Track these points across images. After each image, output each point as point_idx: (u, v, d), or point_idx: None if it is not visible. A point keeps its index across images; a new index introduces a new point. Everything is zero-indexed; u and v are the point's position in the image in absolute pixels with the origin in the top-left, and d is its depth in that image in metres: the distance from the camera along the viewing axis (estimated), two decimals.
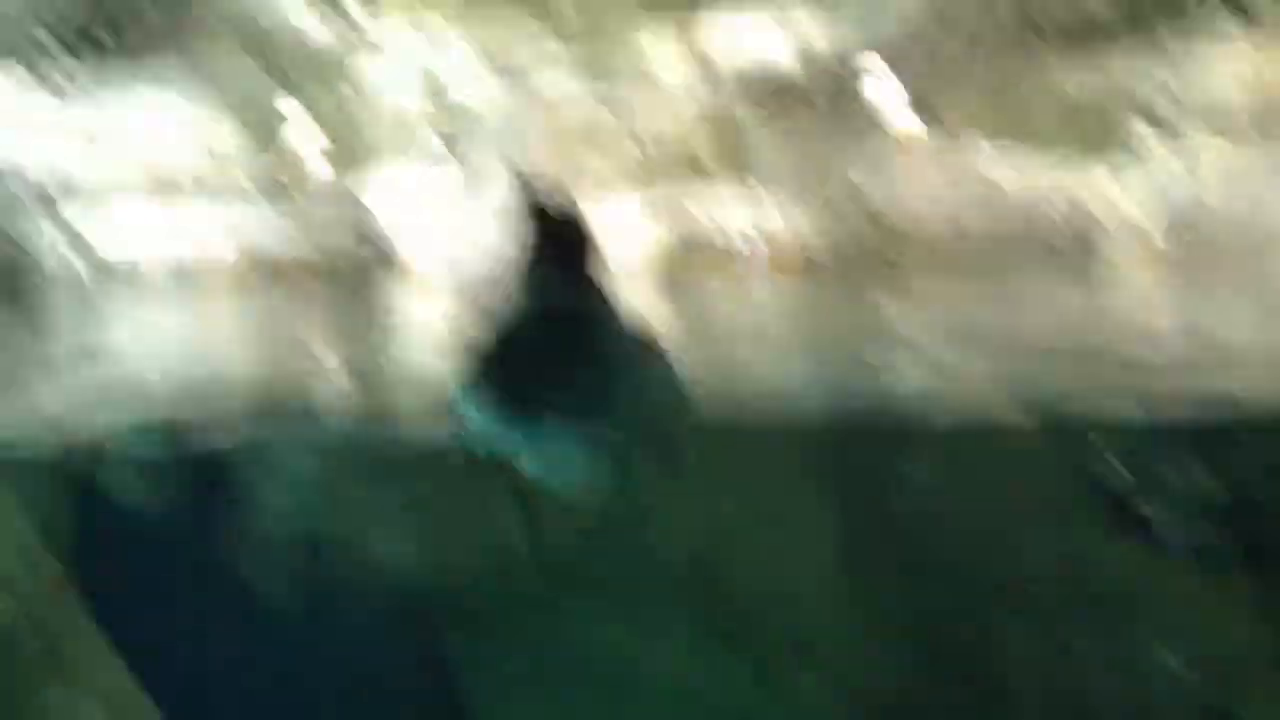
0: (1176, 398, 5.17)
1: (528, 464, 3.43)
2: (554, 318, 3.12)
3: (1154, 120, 8.16)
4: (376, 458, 5.92)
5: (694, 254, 8.60)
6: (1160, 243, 7.13)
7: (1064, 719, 5.26)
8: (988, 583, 5.44)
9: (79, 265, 7.21)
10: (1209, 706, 5.09)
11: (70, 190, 9.30)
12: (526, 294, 3.14)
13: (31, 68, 10.94)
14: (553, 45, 12.77)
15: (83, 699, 4.60)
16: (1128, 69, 8.58)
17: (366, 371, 4.93)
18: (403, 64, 12.14)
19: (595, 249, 3.23)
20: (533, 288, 3.14)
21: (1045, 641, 5.27)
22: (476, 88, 12.13)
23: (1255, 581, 5.08)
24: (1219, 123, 8.02)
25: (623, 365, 3.22)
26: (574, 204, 3.24)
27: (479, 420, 3.34)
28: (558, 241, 3.20)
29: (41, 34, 11.05)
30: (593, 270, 3.18)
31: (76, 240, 7.32)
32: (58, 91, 10.78)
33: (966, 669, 5.34)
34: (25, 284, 6.69)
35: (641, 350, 3.27)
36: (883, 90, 9.22)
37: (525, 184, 3.50)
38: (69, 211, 7.89)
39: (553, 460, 3.41)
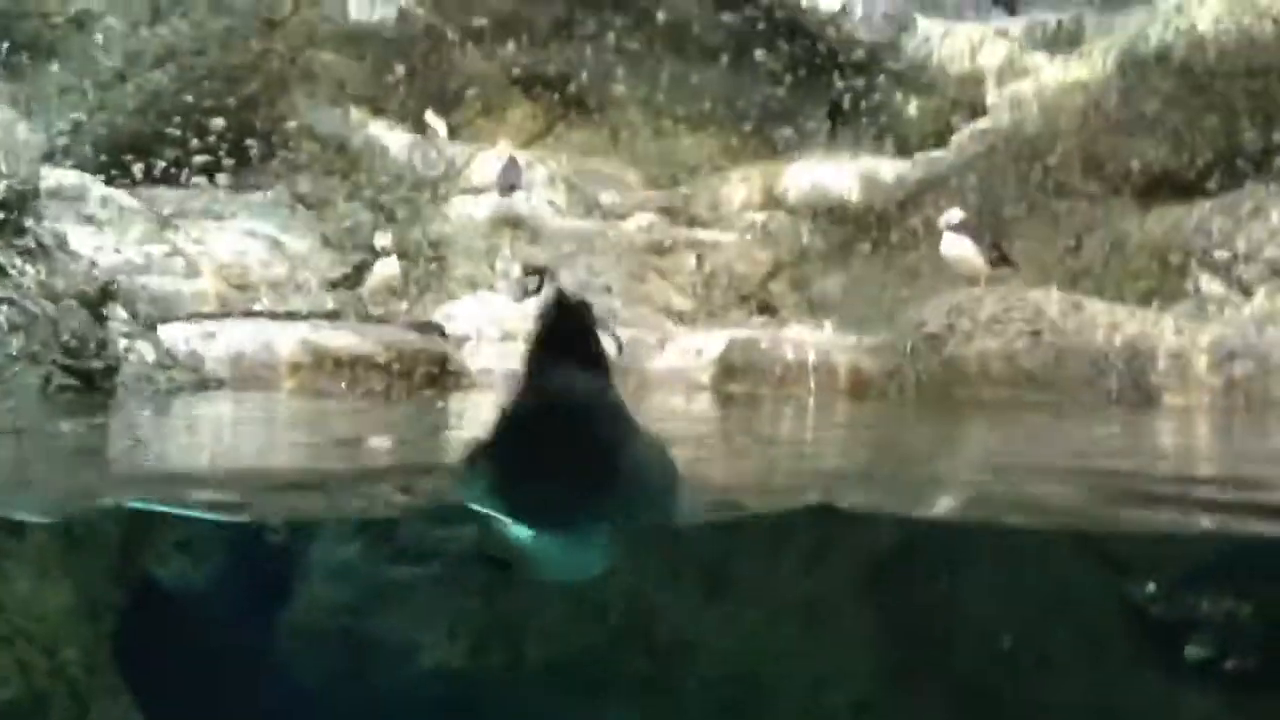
0: (1216, 531, 5.13)
1: (532, 559, 3.44)
2: (556, 412, 3.11)
3: (1213, 269, 8.22)
4: (423, 555, 6.02)
5: (756, 377, 8.74)
6: (1213, 384, 7.13)
7: None
8: (1027, 705, 5.36)
9: (154, 374, 7.55)
10: None
11: (162, 305, 9.73)
12: (531, 388, 3.14)
13: (143, 196, 11.51)
14: (636, 185, 13.16)
15: None
16: (1190, 220, 8.67)
17: (423, 470, 5.07)
18: (492, 198, 12.56)
19: (599, 347, 3.24)
20: (536, 382, 3.13)
21: None
22: (563, 223, 12.50)
23: None
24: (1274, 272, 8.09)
25: (620, 461, 3.22)
26: (587, 304, 3.24)
27: (485, 515, 3.36)
28: (563, 336, 3.18)
29: (155, 164, 11.63)
30: (596, 367, 3.18)
31: (154, 350, 7.68)
32: (165, 222, 11.31)
33: None
34: (106, 378, 7.01)
35: (638, 448, 3.28)
36: (950, 232, 9.37)
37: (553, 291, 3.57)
38: (153, 326, 8.29)
39: (555, 554, 3.41)
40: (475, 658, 6.05)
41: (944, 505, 5.77)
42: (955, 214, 9.48)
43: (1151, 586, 5.24)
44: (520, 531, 3.37)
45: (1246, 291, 8.08)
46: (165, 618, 5.71)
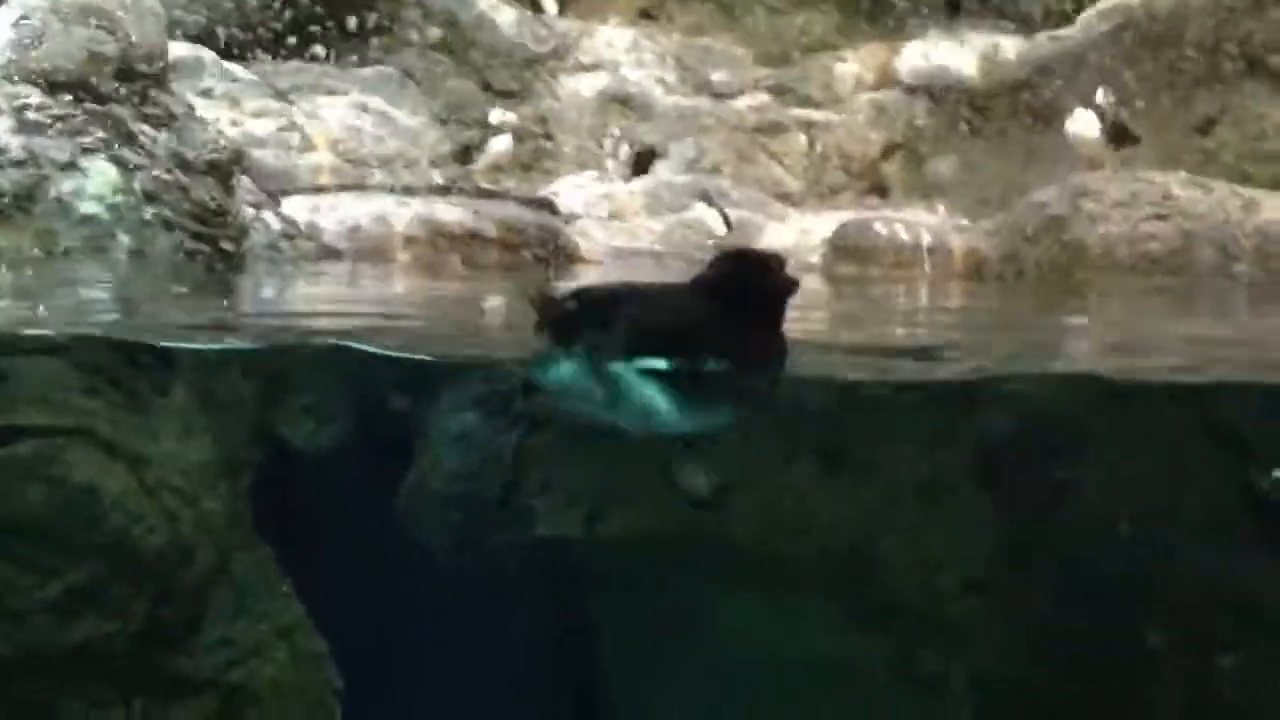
0: None
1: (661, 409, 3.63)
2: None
3: None
4: (540, 417, 6.14)
5: (866, 258, 8.68)
6: None
7: None
8: (1138, 590, 5.37)
9: (279, 243, 7.73)
10: None
11: (281, 178, 9.88)
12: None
13: (256, 70, 11.63)
14: (747, 64, 12.98)
15: (247, 613, 4.90)
16: None
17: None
18: (602, 75, 12.49)
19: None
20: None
21: (1190, 654, 5.18)
22: (672, 102, 12.40)
23: None
24: None
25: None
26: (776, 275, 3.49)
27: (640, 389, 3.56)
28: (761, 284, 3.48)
29: (267, 37, 11.72)
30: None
31: (277, 221, 7.85)
32: (280, 95, 11.44)
33: (1105, 673, 5.28)
34: (235, 246, 7.19)
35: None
36: (1075, 111, 9.15)
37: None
38: (277, 198, 8.45)
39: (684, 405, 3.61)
40: (589, 527, 6.18)
41: (1062, 386, 5.75)
42: (1066, 81, 9.34)
43: (1276, 472, 5.19)
44: (652, 385, 3.58)
45: None
46: (296, 476, 5.93)
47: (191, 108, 7.79)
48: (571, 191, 11.45)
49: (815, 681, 5.76)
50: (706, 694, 6.05)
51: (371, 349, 5.49)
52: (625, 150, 12.35)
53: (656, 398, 3.57)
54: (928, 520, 5.67)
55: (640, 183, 11.91)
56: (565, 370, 3.62)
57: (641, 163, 12.34)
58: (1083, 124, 8.96)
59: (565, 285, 4.46)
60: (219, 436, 5.00)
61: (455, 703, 5.93)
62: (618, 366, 3.55)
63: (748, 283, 3.53)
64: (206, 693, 4.83)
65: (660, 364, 3.52)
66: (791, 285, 3.59)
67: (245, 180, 7.60)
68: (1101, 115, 8.86)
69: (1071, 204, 7.67)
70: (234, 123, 10.60)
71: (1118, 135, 8.83)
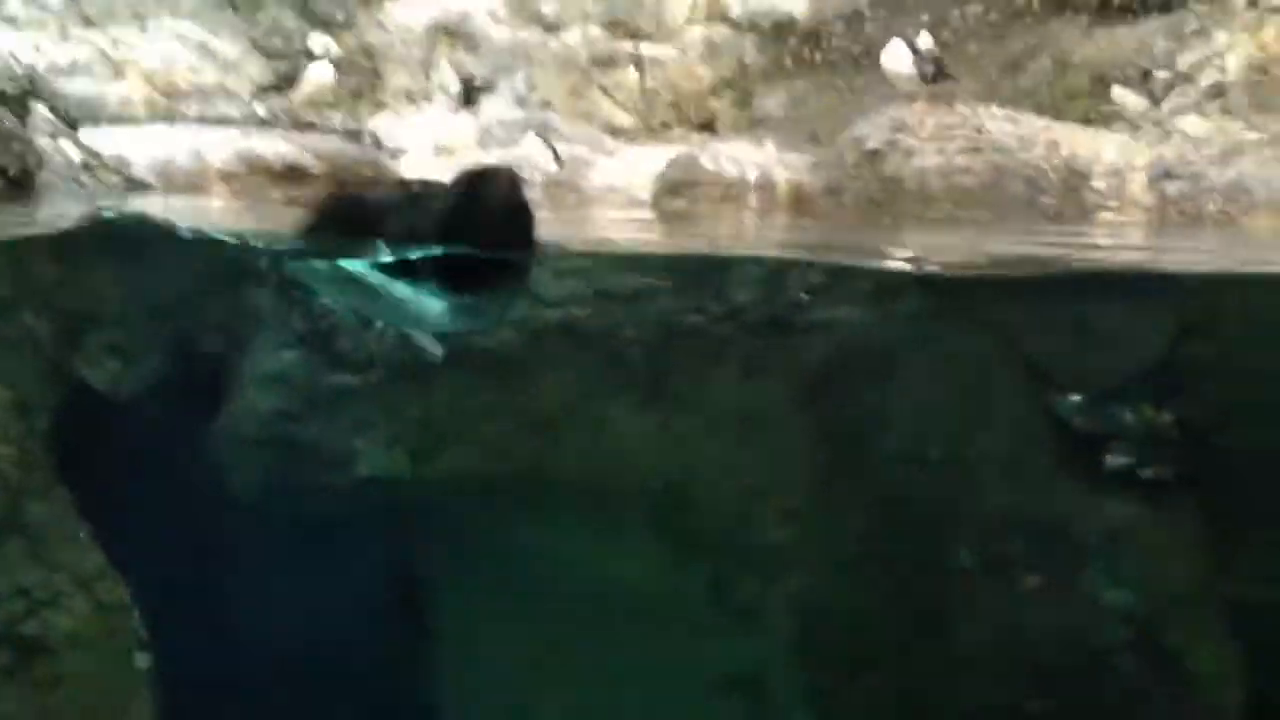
0: (1138, 339, 5.24)
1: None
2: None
3: (1151, 90, 8.25)
4: (359, 363, 6.02)
5: (694, 192, 8.71)
6: (1147, 202, 7.24)
7: (1006, 649, 5.35)
8: (947, 516, 5.52)
9: (81, 172, 7.38)
10: (1148, 638, 5.18)
11: (87, 107, 9.45)
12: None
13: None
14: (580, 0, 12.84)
15: (42, 562, 4.71)
16: (1133, 40, 8.65)
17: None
18: (430, 5, 12.21)
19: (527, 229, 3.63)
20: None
21: (995, 574, 5.36)
22: (503, 33, 12.19)
23: (1199, 516, 5.16)
24: (1215, 91, 8.12)
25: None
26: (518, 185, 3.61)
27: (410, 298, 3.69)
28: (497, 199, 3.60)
29: None
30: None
31: (80, 151, 7.51)
32: (89, 22, 10.90)
33: (915, 597, 5.44)
34: (27, 177, 6.84)
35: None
36: (892, 45, 9.29)
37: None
38: (75, 127, 8.07)
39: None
40: (414, 466, 6.11)
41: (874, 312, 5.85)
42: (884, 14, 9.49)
43: (1075, 397, 5.36)
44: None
45: (1184, 112, 8.12)
46: (99, 419, 5.70)
47: None
48: (398, 125, 11.19)
49: (636, 612, 5.81)
50: (532, 629, 6.06)
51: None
52: (454, 83, 12.11)
53: (411, 294, 3.70)
54: (745, 449, 5.74)
55: (469, 117, 11.71)
56: (320, 267, 3.74)
57: (471, 96, 12.13)
58: (897, 59, 9.08)
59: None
60: (8, 377, 4.76)
61: (270, 652, 5.81)
62: (364, 265, 3.68)
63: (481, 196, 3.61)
64: (2, 644, 4.64)
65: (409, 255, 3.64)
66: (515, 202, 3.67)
67: (42, 109, 7.23)
68: (918, 51, 8.99)
69: (887, 138, 7.81)
70: (37, 49, 10.09)
71: (935, 72, 8.99)
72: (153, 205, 7.36)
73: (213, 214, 7.59)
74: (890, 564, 5.45)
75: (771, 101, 11.13)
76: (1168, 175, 7.28)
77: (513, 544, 6.02)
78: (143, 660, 4.88)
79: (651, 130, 12.46)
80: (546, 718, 6.08)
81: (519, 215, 3.66)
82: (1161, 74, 8.36)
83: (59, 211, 6.56)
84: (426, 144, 10.83)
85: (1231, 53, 8.31)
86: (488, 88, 12.37)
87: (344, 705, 6.03)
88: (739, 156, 9.43)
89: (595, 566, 5.84)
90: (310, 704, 5.92)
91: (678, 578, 5.72)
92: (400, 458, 6.14)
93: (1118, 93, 8.17)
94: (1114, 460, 5.19)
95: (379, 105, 12.29)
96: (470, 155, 11.26)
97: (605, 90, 12.48)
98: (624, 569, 5.79)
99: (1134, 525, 5.19)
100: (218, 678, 5.46)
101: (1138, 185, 7.34)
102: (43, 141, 6.96)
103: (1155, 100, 8.22)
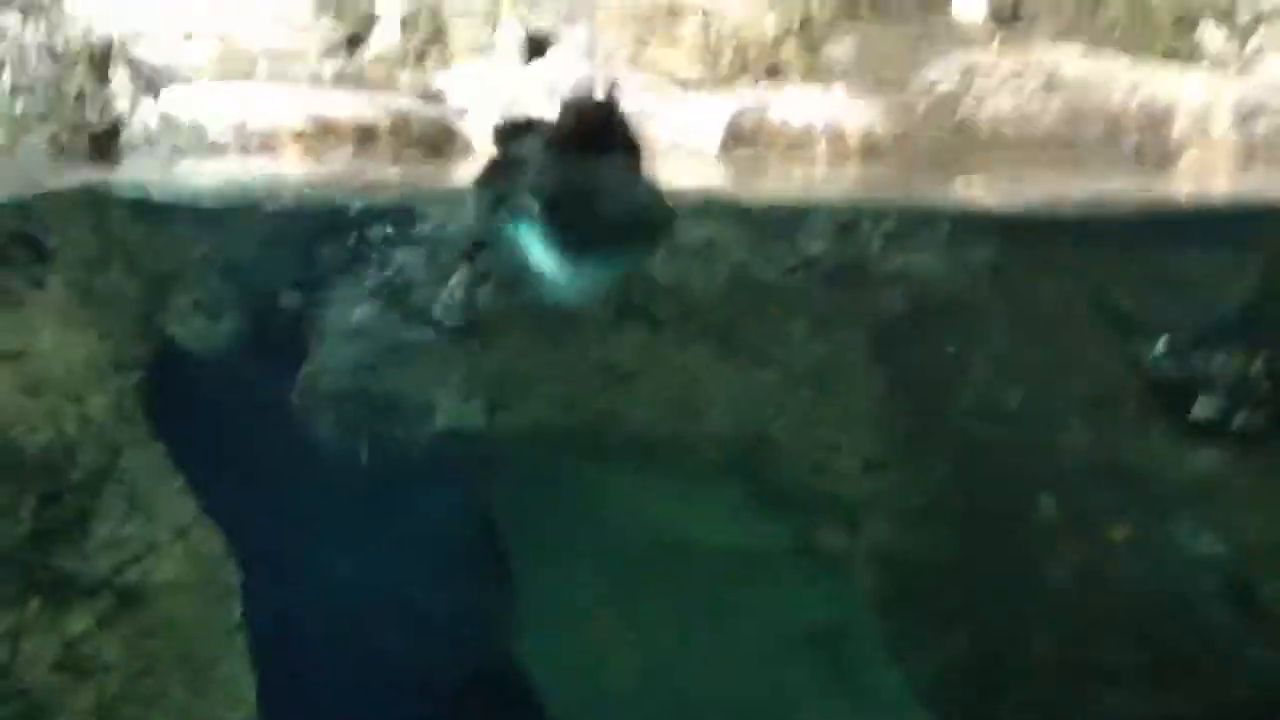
0: (1228, 291, 5.17)
1: (566, 284, 3.80)
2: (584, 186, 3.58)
3: (1231, 27, 8.06)
4: (437, 318, 6.08)
5: (764, 143, 8.65)
6: (1233, 142, 7.08)
7: (1094, 601, 5.33)
8: (1032, 464, 5.50)
9: (160, 134, 7.47)
10: (1234, 585, 5.13)
11: (161, 70, 9.53)
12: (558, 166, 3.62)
13: None
14: None
15: (140, 512, 4.81)
16: None
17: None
18: None
19: (626, 135, 3.64)
20: (563, 163, 3.60)
21: (1080, 521, 5.33)
22: None
23: None
24: None
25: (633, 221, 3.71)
26: (613, 99, 3.65)
27: (539, 252, 3.73)
28: (589, 129, 3.64)
29: None
30: (621, 149, 3.64)
31: (158, 112, 7.58)
32: None
33: (1000, 543, 5.42)
34: (111, 140, 6.93)
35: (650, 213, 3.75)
36: None
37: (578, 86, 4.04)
38: (156, 89, 8.15)
39: (585, 281, 3.82)
40: (490, 418, 6.17)
41: (952, 262, 5.81)
42: None
43: (1161, 346, 5.31)
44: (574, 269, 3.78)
45: (1268, 50, 7.95)
46: (188, 374, 5.80)
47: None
48: (463, 81, 11.19)
49: (717, 564, 5.85)
50: (611, 581, 6.12)
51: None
52: (518, 37, 12.10)
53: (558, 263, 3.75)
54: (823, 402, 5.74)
55: (533, 70, 11.70)
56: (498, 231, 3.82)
57: (535, 50, 12.11)
58: (969, 2, 8.94)
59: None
60: (103, 333, 4.85)
61: (356, 599, 5.92)
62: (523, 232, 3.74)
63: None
64: (101, 593, 4.74)
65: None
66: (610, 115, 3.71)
67: (122, 71, 7.30)
68: None
69: (959, 82, 7.68)
70: (115, 14, 10.20)
71: (1007, 12, 8.84)
72: (231, 168, 7.45)
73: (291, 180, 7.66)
74: (973, 516, 5.45)
75: (840, 48, 11.04)
76: (1253, 113, 7.12)
77: (591, 496, 6.07)
78: (237, 607, 4.98)
79: (718, 80, 12.42)
80: (624, 667, 6.15)
81: (614, 120, 3.72)
82: (1244, 13, 8.18)
83: (140, 173, 6.66)
84: (493, 99, 10.86)
85: None
86: (552, 40, 12.38)
87: (428, 651, 6.14)
88: (806, 105, 9.37)
89: (674, 520, 5.89)
90: (396, 649, 6.04)
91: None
92: (477, 409, 6.20)
93: (1201, 30, 7.99)
94: (1203, 409, 5.14)
95: (445, 61, 12.35)
96: (536, 109, 11.27)
97: (669, 40, 12.45)
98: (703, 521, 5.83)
99: (1222, 474, 5.15)
100: (307, 623, 5.58)
101: (1222, 125, 7.19)
102: (123, 104, 7.04)
103: (1240, 38, 8.05)
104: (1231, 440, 5.12)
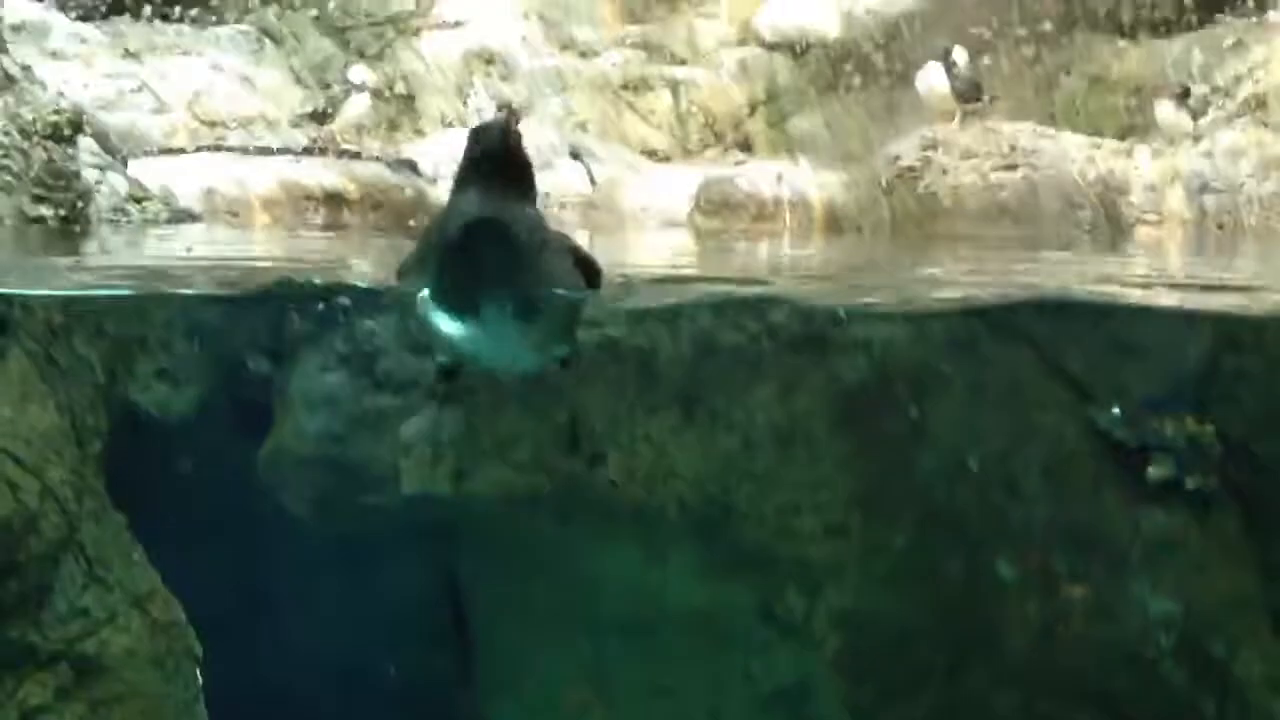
0: (1181, 354, 5.26)
1: (473, 352, 3.73)
2: (485, 231, 3.44)
3: (1189, 104, 8.24)
4: (402, 379, 6.11)
5: (731, 213, 8.79)
6: (1185, 216, 7.23)
7: (1053, 661, 5.36)
8: (992, 528, 5.54)
9: (127, 206, 7.54)
10: (1196, 650, 5.17)
11: (131, 140, 9.61)
12: (460, 209, 3.50)
13: (108, 31, 11.25)
14: (610, 20, 12.95)
15: (99, 582, 4.79)
16: (1170, 55, 8.66)
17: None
18: (465, 33, 12.36)
19: (526, 173, 3.54)
20: (464, 204, 3.46)
21: (1040, 587, 5.37)
22: (536, 59, 12.32)
23: (1244, 527, 5.16)
24: (1252, 104, 8.11)
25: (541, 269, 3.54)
26: (511, 133, 3.53)
27: (434, 317, 3.64)
28: (489, 160, 3.50)
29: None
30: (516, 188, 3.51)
31: (126, 184, 7.65)
32: (132, 56, 11.09)
33: (962, 608, 5.45)
34: (79, 211, 6.99)
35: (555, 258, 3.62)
36: (927, 68, 9.34)
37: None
38: (124, 160, 8.23)
39: (492, 346, 3.70)
40: (456, 484, 6.18)
41: (913, 331, 5.88)
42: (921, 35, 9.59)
43: (1115, 411, 5.38)
44: (458, 326, 3.68)
45: (1220, 125, 8.13)
46: (151, 443, 5.81)
47: (30, 70, 7.52)
48: (436, 150, 11.32)
49: (682, 627, 5.85)
50: (576, 644, 6.12)
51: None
52: (490, 108, 12.25)
53: (492, 335, 3.67)
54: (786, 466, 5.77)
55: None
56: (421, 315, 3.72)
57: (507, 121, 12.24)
58: (933, 79, 9.14)
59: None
60: (63, 403, 4.85)
61: (319, 666, 5.90)
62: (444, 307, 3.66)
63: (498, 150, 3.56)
64: (59, 663, 4.71)
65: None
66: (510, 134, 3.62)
67: (89, 142, 7.38)
68: (953, 71, 9.04)
69: (923, 155, 7.85)
70: (85, 85, 10.29)
71: (970, 90, 9.03)
72: (197, 237, 7.50)
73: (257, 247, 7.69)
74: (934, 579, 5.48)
75: (805, 121, 11.20)
76: (1206, 188, 7.30)
77: (556, 561, 6.08)
78: (196, 677, 4.95)
79: (687, 151, 12.56)
80: None
81: (512, 151, 3.59)
82: (1199, 88, 8.36)
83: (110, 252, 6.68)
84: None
85: (1268, 66, 8.32)
86: (523, 112, 12.52)
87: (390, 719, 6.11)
88: (773, 176, 9.52)
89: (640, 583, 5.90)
90: (359, 718, 6.01)
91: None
92: (443, 476, 6.22)
93: (1156, 108, 8.17)
94: (1157, 471, 5.20)
95: (417, 132, 12.46)
96: None
97: (639, 112, 12.61)
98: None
99: (1177, 535, 5.21)
100: (269, 692, 5.55)
101: (1176, 199, 7.36)
102: (90, 175, 7.11)
103: (1194, 115, 8.23)
104: (1186, 501, 5.19)
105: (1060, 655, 5.30)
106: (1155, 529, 5.23)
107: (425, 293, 3.64)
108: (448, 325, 3.63)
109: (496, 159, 3.51)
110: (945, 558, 5.56)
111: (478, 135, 3.61)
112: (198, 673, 4.99)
